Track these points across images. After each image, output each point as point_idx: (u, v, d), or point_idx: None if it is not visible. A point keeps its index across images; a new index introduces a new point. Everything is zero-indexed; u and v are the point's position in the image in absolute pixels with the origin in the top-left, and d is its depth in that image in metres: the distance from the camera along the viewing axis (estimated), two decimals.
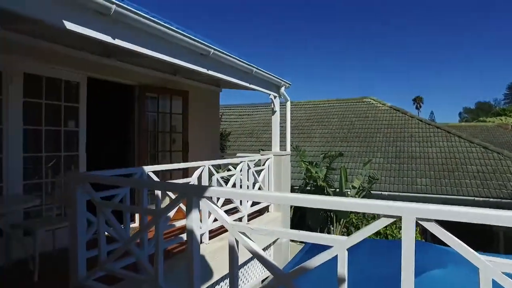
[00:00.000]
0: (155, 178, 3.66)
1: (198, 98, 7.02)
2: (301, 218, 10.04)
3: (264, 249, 5.97)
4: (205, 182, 4.59)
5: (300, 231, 1.83)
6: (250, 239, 1.99)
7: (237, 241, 2.01)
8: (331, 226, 9.41)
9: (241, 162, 5.53)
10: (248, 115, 19.08)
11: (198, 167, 4.51)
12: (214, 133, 7.78)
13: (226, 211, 5.62)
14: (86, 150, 4.76)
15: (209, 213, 4.22)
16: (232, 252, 2.04)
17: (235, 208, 5.38)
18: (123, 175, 3.18)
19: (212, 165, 4.77)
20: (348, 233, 8.91)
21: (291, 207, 7.02)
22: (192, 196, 2.11)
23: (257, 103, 19.81)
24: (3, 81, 3.90)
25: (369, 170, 9.75)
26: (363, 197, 9.34)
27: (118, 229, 2.43)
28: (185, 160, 6.21)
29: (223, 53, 4.56)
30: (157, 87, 5.93)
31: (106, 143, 8.30)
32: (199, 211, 2.24)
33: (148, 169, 3.56)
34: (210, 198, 2.09)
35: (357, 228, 9.27)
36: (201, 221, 4.41)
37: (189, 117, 6.37)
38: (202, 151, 7.15)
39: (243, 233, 1.98)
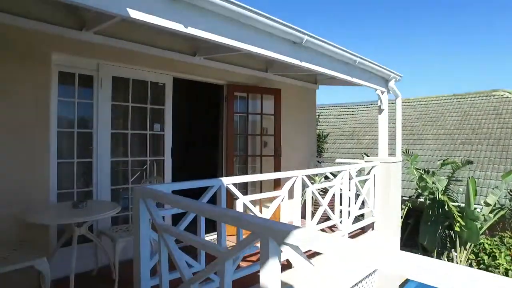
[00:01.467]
0: (237, 193, 3.08)
1: (292, 97, 6.33)
2: (411, 235, 8.47)
3: (366, 277, 4.93)
4: (297, 195, 3.87)
5: None
6: None
7: None
8: (453, 250, 7.63)
9: (342, 170, 4.63)
10: (347, 115, 17.66)
11: (290, 177, 3.81)
12: (310, 135, 6.98)
13: (321, 228, 4.86)
14: (172, 154, 4.52)
15: None
16: None
17: (329, 219, 4.52)
18: (191, 190, 2.67)
19: (306, 175, 4.01)
20: (479, 263, 7.04)
21: (403, 224, 5.71)
22: (268, 237, 1.39)
23: (357, 102, 18.23)
24: (94, 85, 3.85)
25: (511, 182, 7.59)
26: (501, 217, 7.31)
27: (181, 268, 1.87)
28: (277, 166, 5.58)
29: (318, 39, 3.75)
30: (247, 85, 5.45)
31: (193, 147, 8.31)
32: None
33: (228, 181, 3.00)
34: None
35: (492, 257, 7.23)
36: None
37: (281, 118, 5.72)
38: (297, 155, 6.45)
39: None
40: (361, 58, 4.58)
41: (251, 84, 5.52)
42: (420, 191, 8.26)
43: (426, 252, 8.16)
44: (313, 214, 4.41)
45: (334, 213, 4.60)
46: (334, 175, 6.70)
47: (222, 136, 5.31)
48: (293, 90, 6.42)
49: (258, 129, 5.67)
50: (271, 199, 5.63)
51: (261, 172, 5.56)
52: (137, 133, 4.25)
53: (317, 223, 4.34)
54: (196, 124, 8.32)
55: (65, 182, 3.66)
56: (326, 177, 6.49)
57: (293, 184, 3.76)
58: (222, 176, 5.26)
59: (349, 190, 4.87)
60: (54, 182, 3.51)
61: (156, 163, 4.46)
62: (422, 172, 8.09)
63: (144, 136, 4.30)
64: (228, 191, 3.01)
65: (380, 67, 5.15)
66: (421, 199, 8.23)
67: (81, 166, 3.79)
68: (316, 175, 6.53)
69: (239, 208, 3.06)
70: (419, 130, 13.50)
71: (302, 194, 4.15)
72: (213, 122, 5.75)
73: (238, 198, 3.08)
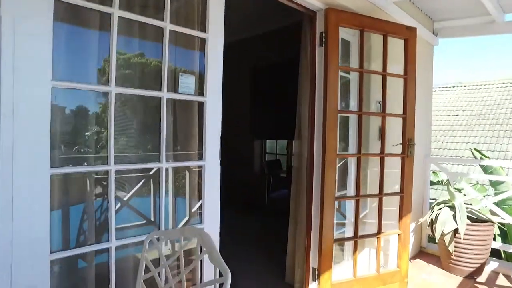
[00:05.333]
0: None
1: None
2: None
3: None
4: None
5: None
6: None
7: None
8: None
9: None
10: None
11: None
12: (426, 119, 4.25)
13: None
14: (222, 152, 1.86)
15: None
16: None
17: None
18: None
19: None
20: None
21: None
22: None
23: None
24: None
25: None
26: None
27: None
28: (407, 175, 2.85)
29: None
30: (361, 16, 2.70)
31: (233, 132, 5.65)
32: None
33: None
34: None
35: None
36: None
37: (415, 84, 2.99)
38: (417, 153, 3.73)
39: None
40: None
41: (366, 15, 2.77)
42: None
43: None
44: None
45: None
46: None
47: (310, 115, 2.63)
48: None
49: (376, 103, 2.96)
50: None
51: (380, 190, 2.84)
52: (136, 95, 1.59)
53: None
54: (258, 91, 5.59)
55: None
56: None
57: None
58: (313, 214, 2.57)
59: None
60: None
61: (183, 174, 1.83)
62: None
63: (154, 106, 1.63)
64: None
65: None
66: None
67: None
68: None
69: None
70: None
71: None
72: (291, 87, 3.12)
73: None
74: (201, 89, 1.76)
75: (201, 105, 1.76)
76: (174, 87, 1.71)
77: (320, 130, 2.53)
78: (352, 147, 2.97)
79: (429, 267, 3.48)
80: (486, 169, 5.43)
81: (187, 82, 1.67)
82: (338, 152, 2.63)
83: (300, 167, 2.78)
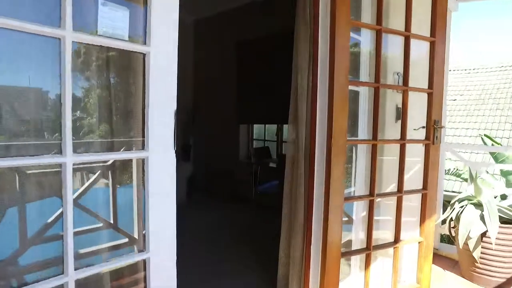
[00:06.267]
0: None
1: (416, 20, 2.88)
2: None
3: None
4: None
5: None
6: None
7: None
8: None
9: None
10: None
11: None
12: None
13: None
14: (176, 135, 1.19)
15: None
16: None
17: None
18: None
19: None
20: None
21: None
22: None
23: None
24: None
25: None
26: None
27: None
28: (432, 166, 2.23)
29: None
30: None
31: (240, 122, 5.03)
32: None
33: None
34: None
35: None
36: None
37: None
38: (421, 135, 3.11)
39: None
40: None
41: None
42: None
43: None
44: None
45: None
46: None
47: (312, 90, 1.96)
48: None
49: (390, 76, 2.31)
50: None
51: (399, 188, 2.20)
52: (18, 35, 0.90)
53: None
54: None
55: None
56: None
57: None
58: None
59: None
60: None
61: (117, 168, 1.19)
62: None
63: (56, 58, 0.95)
64: None
65: None
66: None
67: None
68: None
69: None
70: None
71: None
72: (273, 58, 2.46)
73: None
74: (143, 34, 1.07)
75: (141, 59, 1.06)
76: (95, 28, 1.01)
77: (325, 108, 1.87)
78: (362, 132, 2.33)
79: (446, 274, 2.92)
80: (497, 158, 4.92)
81: (113, 18, 0.97)
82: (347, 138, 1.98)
83: (295, 156, 2.12)
